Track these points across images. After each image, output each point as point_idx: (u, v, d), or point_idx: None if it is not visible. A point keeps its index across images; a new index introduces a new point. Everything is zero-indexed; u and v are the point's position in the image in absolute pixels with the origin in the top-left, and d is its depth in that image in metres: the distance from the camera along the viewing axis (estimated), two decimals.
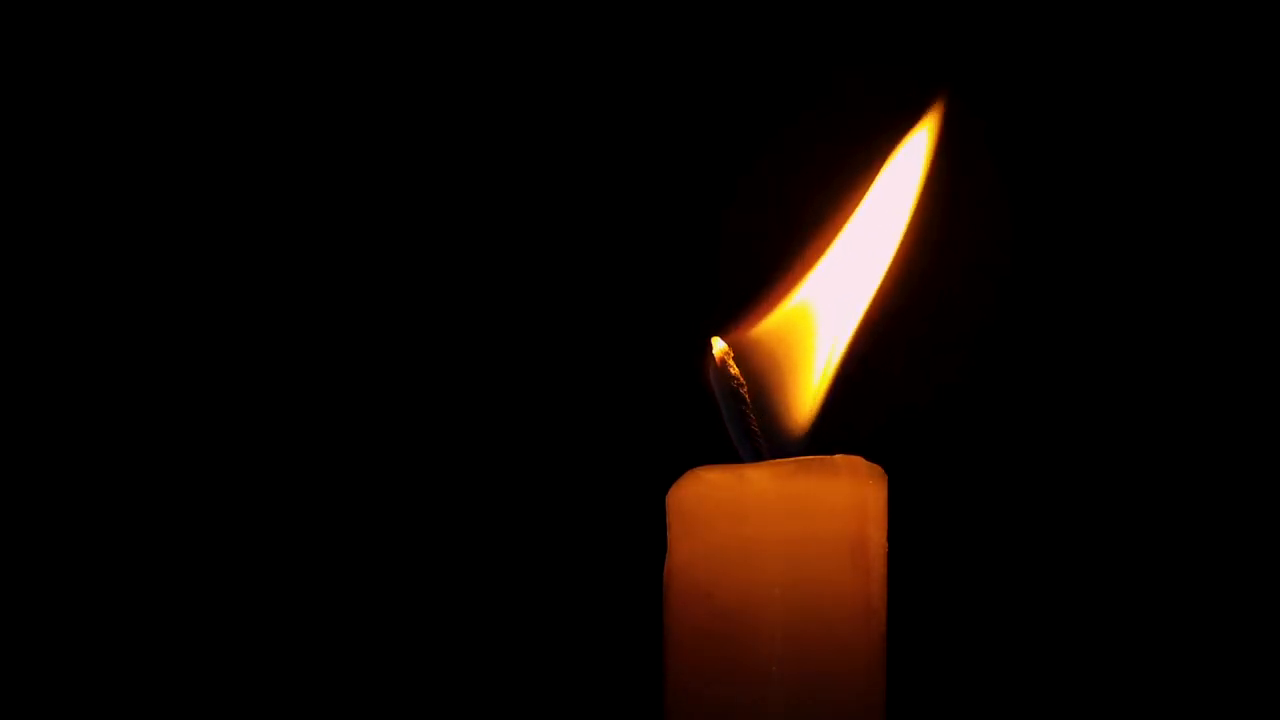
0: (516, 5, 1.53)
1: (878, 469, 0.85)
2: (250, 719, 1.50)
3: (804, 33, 1.52)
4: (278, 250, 1.52)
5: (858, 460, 0.84)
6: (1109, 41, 1.50)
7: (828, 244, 0.91)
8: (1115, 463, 1.51)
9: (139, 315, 1.51)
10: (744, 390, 0.87)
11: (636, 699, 1.45)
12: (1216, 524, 1.50)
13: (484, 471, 1.52)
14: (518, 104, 1.53)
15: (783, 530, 0.83)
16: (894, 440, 1.46)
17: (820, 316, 0.90)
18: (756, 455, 0.87)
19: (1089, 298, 1.51)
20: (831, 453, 0.84)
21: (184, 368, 1.51)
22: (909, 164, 0.92)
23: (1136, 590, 1.50)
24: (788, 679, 0.82)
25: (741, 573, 0.83)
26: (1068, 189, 1.51)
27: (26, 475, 1.49)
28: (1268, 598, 1.49)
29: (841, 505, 0.83)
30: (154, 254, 1.51)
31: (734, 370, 0.87)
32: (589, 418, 1.52)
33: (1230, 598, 1.49)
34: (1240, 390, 1.50)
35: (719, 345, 0.87)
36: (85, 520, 1.50)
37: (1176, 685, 1.49)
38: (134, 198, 1.51)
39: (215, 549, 1.51)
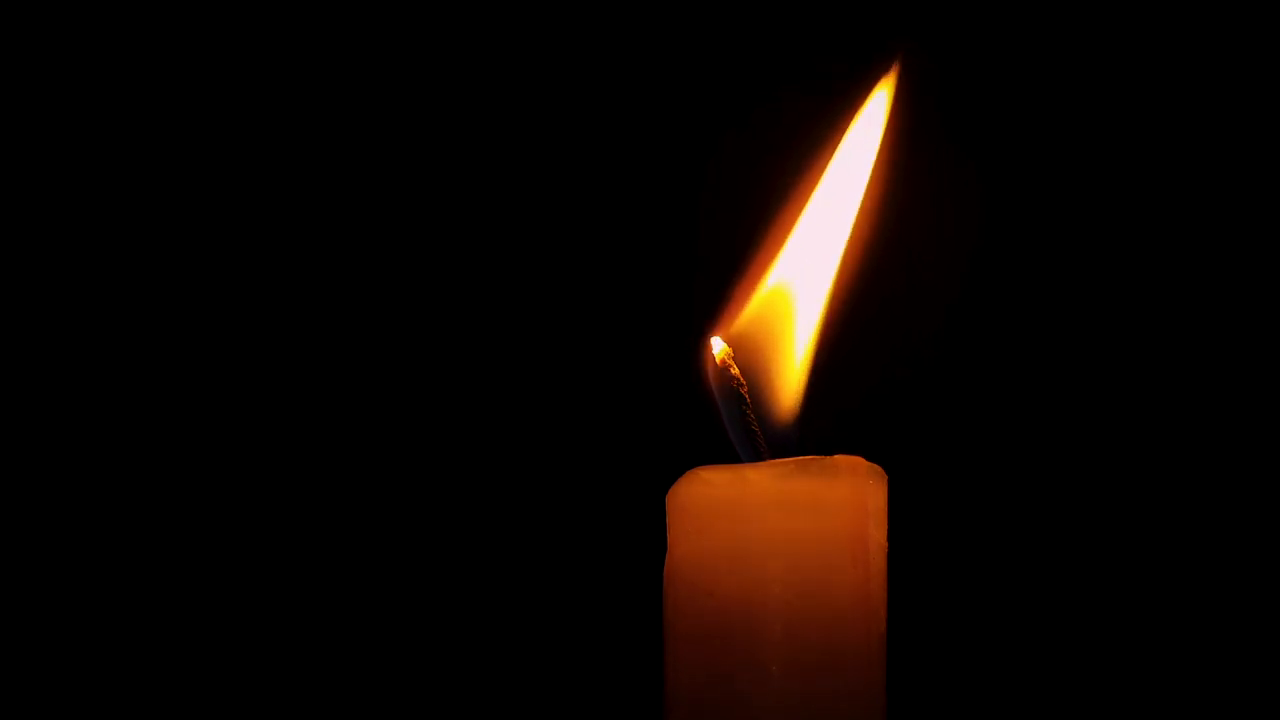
0: (484, 6, 1.52)
1: (878, 469, 0.85)
2: (250, 719, 1.50)
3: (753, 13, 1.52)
4: (275, 251, 1.52)
5: (858, 460, 0.84)
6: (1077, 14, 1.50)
7: (794, 220, 0.91)
8: (1115, 461, 1.51)
9: (139, 315, 1.51)
10: (744, 390, 0.87)
11: (636, 699, 1.45)
12: (1217, 522, 1.50)
13: (485, 472, 1.52)
14: (512, 107, 1.53)
15: (783, 530, 0.83)
16: (894, 440, 1.47)
17: (796, 293, 0.90)
18: (756, 455, 0.87)
19: (1090, 297, 1.51)
20: (831, 453, 0.84)
21: (184, 368, 1.51)
22: (868, 131, 0.92)
23: (1136, 589, 1.50)
24: (788, 678, 0.82)
25: (741, 573, 0.83)
26: (1046, 174, 1.51)
27: (27, 475, 1.49)
28: (1267, 597, 1.49)
29: (841, 505, 0.83)
30: (154, 254, 1.51)
31: (734, 370, 0.87)
32: (589, 418, 1.52)
33: (1230, 597, 1.49)
34: (1242, 385, 1.50)
35: (719, 346, 0.88)
36: (85, 520, 1.50)
37: (1176, 685, 1.49)
38: (134, 198, 1.51)
39: (215, 550, 1.51)
